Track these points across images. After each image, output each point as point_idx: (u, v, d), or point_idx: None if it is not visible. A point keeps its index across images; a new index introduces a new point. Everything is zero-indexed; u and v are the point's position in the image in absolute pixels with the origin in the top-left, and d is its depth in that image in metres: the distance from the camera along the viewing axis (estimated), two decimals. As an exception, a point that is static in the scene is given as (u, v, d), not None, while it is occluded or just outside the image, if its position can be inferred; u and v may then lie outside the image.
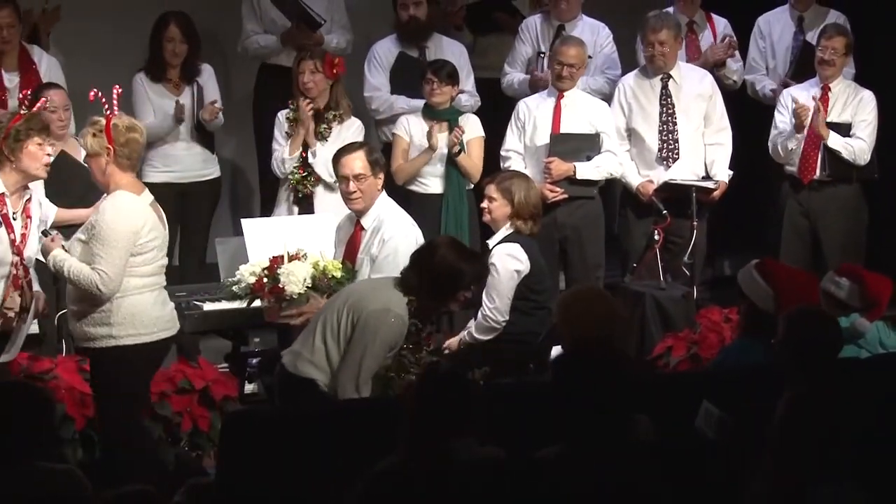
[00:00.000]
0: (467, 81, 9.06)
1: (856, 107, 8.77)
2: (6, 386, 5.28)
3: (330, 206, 8.15)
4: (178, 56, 8.57)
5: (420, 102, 8.79)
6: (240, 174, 10.10)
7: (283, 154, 8.32)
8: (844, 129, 8.71)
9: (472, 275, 6.37)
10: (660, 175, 8.71)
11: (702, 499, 4.81)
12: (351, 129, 8.32)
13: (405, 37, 9.08)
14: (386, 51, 9.09)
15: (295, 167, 8.28)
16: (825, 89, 8.78)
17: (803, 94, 8.81)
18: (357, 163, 7.21)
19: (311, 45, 9.07)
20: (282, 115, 8.40)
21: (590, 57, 9.19)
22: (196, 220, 8.79)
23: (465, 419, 4.72)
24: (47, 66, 8.52)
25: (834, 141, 8.67)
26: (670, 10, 9.22)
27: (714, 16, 9.49)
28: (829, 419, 4.41)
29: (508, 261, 7.47)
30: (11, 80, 8.33)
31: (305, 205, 8.27)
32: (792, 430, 4.42)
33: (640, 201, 8.69)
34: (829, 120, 8.72)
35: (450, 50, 9.10)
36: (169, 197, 8.59)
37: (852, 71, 9.29)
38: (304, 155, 8.27)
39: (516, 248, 7.49)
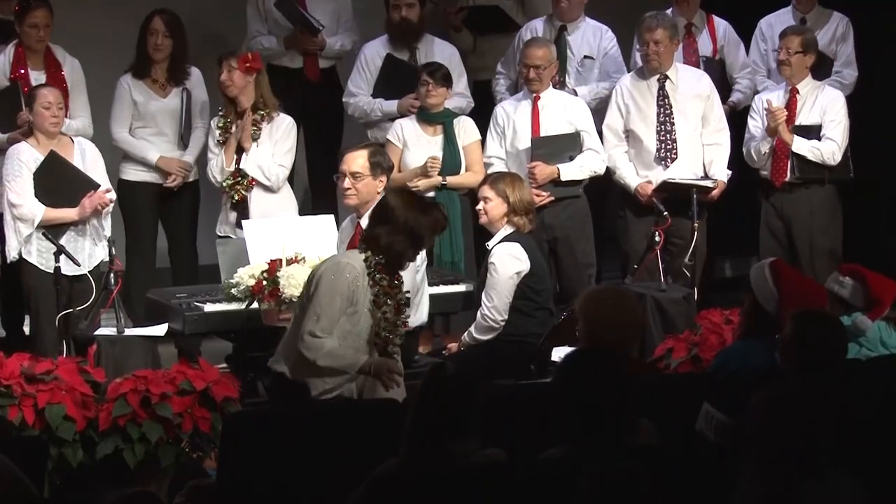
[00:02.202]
0: (459, 82, 9.05)
1: (824, 107, 8.77)
2: None
3: (268, 209, 8.14)
4: (160, 50, 8.53)
5: (393, 105, 8.79)
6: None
7: (221, 163, 8.22)
8: (815, 131, 8.71)
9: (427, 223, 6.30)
10: (658, 176, 8.72)
11: (703, 501, 4.80)
12: (281, 128, 8.27)
13: (396, 38, 9.07)
14: (373, 52, 9.08)
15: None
16: (793, 92, 8.79)
17: (774, 95, 8.84)
18: (358, 161, 7.20)
19: (313, 48, 9.08)
20: (213, 123, 8.33)
21: (591, 58, 9.20)
22: (179, 221, 8.79)
23: (467, 422, 4.72)
24: (71, 66, 8.57)
25: (799, 145, 8.68)
26: (669, 11, 9.22)
27: (715, 18, 9.48)
28: (803, 418, 4.40)
29: (509, 261, 7.49)
30: (38, 79, 8.38)
31: (241, 209, 8.19)
32: (764, 430, 4.42)
33: (640, 202, 8.69)
34: (797, 122, 8.73)
35: (441, 52, 9.08)
36: (148, 196, 8.60)
37: (855, 73, 9.30)
38: (237, 158, 8.20)
39: (517, 248, 7.51)
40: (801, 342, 5.38)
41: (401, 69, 8.95)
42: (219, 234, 8.27)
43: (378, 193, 7.19)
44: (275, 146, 8.23)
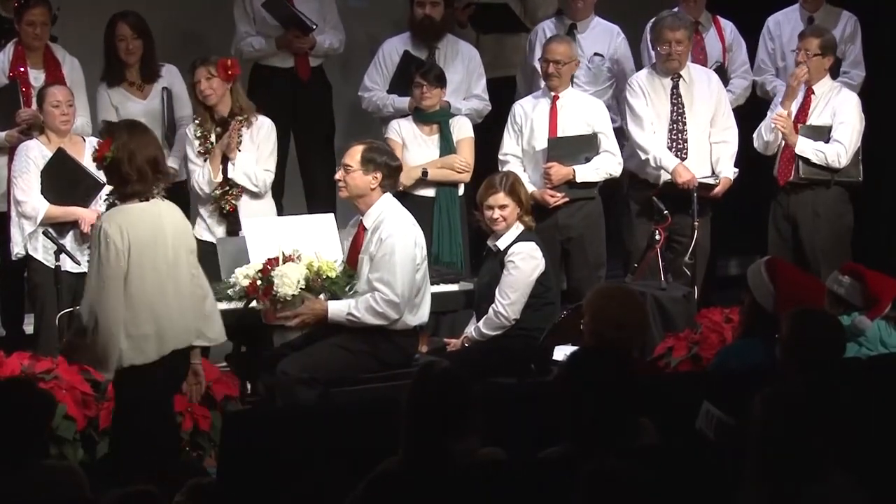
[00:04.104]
0: (478, 85, 9.04)
1: (835, 108, 8.72)
2: (14, 384, 5.29)
3: (256, 213, 8.00)
4: (132, 54, 8.49)
5: (405, 102, 8.76)
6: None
7: (208, 175, 8.06)
8: (825, 132, 8.68)
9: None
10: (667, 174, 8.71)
11: (703, 500, 4.80)
12: (262, 131, 8.14)
13: (417, 35, 9.04)
14: (392, 48, 9.07)
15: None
16: (808, 92, 8.77)
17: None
18: (353, 154, 7.18)
19: (305, 47, 9.05)
20: (190, 132, 8.17)
21: (601, 56, 9.19)
22: None
23: (463, 419, 4.71)
24: (70, 65, 8.57)
25: (803, 147, 8.65)
26: (675, 10, 9.20)
27: (720, 19, 9.47)
28: (805, 417, 4.39)
29: (530, 261, 7.50)
30: (37, 77, 8.40)
31: (232, 220, 8.05)
32: (767, 430, 4.41)
33: (643, 201, 8.68)
34: (809, 122, 8.71)
35: (462, 53, 9.07)
36: None
37: (862, 74, 9.28)
38: (223, 167, 8.05)
39: (535, 248, 7.53)
40: (798, 341, 5.38)
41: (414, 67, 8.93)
42: (196, 237, 8.14)
43: (371, 190, 7.18)
44: (258, 151, 8.13)
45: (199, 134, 8.11)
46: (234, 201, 8.07)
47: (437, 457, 4.64)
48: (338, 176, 7.24)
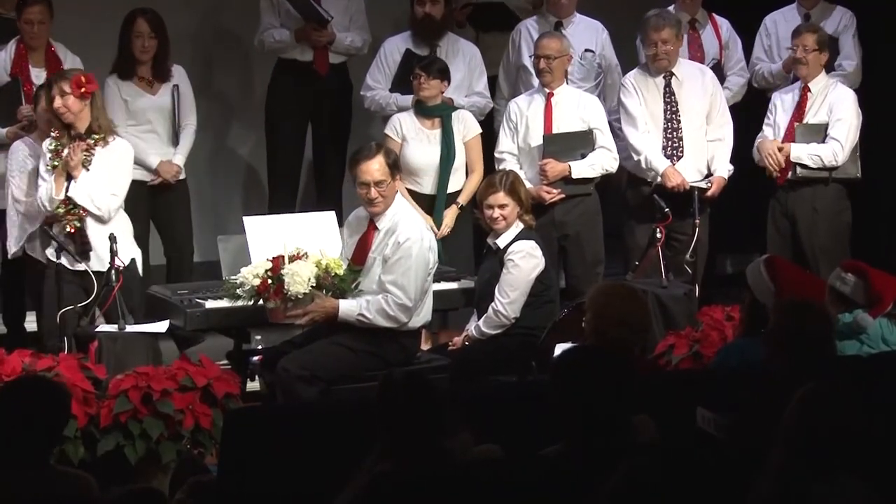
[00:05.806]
0: (479, 82, 9.04)
1: (831, 105, 8.72)
2: (31, 383, 5.27)
3: (102, 238, 7.46)
4: (147, 52, 8.49)
5: (408, 100, 8.75)
6: (252, 172, 10.09)
7: (49, 191, 7.55)
8: (821, 130, 8.68)
9: None
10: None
11: (703, 499, 4.80)
12: (116, 154, 7.70)
13: (418, 34, 9.05)
14: (393, 47, 9.07)
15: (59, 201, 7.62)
16: (804, 90, 8.76)
17: (788, 96, 8.81)
18: (377, 168, 7.10)
19: (323, 41, 9.06)
20: (45, 146, 7.67)
21: (592, 51, 9.19)
22: (170, 219, 8.75)
23: (438, 417, 4.70)
24: (72, 64, 8.55)
25: (798, 154, 8.65)
26: (671, 8, 9.20)
27: (717, 17, 9.47)
28: (845, 415, 4.39)
29: (530, 260, 7.51)
30: (39, 75, 8.39)
31: (79, 239, 7.56)
32: (808, 425, 4.40)
33: (643, 199, 8.67)
34: (806, 121, 8.71)
35: (463, 51, 9.07)
36: (141, 193, 8.50)
37: (853, 62, 9.27)
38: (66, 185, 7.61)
39: (534, 247, 7.53)
40: (782, 329, 5.40)
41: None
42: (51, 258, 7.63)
43: (395, 192, 7.19)
44: (109, 173, 7.66)
45: (52, 147, 7.63)
46: (75, 222, 7.57)
47: (432, 457, 4.63)
48: (374, 194, 7.09)
